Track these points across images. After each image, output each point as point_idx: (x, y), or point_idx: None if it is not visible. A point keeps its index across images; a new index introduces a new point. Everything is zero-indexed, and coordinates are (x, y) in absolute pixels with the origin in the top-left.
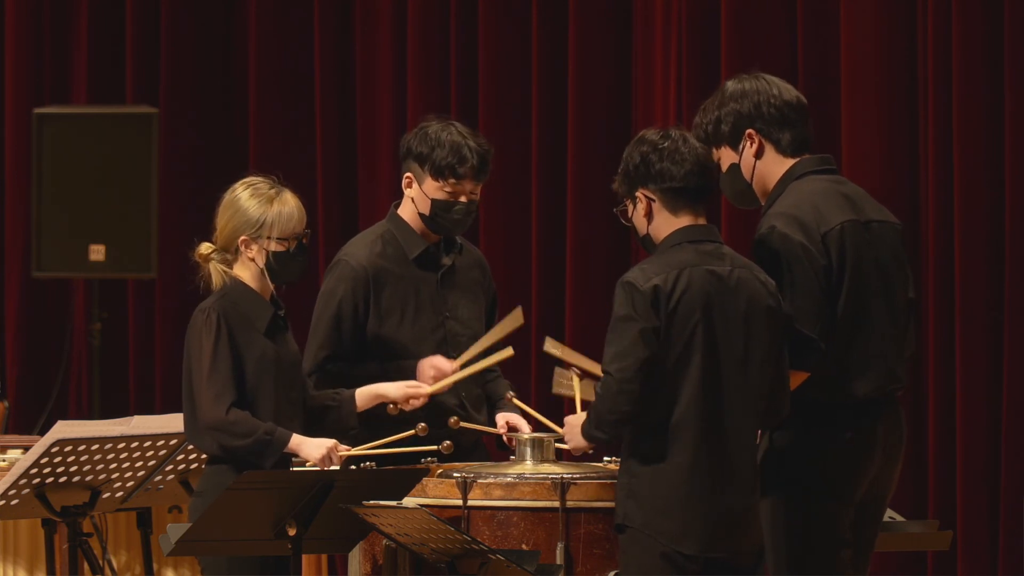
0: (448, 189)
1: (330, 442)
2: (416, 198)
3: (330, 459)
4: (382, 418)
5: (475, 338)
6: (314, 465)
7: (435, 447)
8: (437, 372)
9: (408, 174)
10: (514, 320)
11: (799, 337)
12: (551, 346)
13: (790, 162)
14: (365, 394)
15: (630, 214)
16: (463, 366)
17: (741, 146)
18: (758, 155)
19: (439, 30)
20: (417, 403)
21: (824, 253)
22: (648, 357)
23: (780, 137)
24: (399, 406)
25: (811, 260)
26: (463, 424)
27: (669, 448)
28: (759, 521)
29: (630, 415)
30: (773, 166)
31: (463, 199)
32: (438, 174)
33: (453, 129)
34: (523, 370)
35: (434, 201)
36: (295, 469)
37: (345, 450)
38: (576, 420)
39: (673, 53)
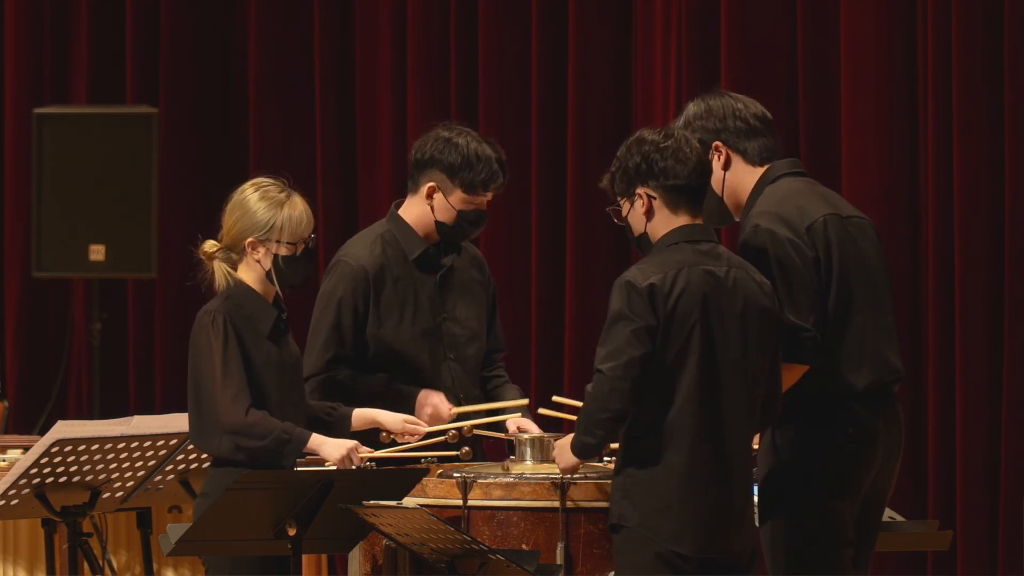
0: (475, 201)
1: (351, 443)
2: (438, 207)
3: (350, 459)
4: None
5: (473, 338)
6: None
7: (454, 452)
8: (433, 411)
9: (431, 183)
10: (519, 404)
11: (795, 330)
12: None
13: (759, 171)
14: (362, 417)
15: (625, 213)
16: (460, 416)
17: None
18: (726, 167)
19: (439, 30)
20: (412, 439)
21: (811, 246)
22: (640, 356)
23: (747, 147)
24: (392, 436)
25: (800, 253)
26: (476, 432)
27: (665, 448)
28: (753, 520)
29: (621, 413)
30: (743, 177)
31: (483, 207)
32: (470, 189)
33: (473, 139)
34: (523, 373)
35: (460, 212)
36: (296, 469)
37: (367, 452)
38: (566, 441)
39: (673, 53)
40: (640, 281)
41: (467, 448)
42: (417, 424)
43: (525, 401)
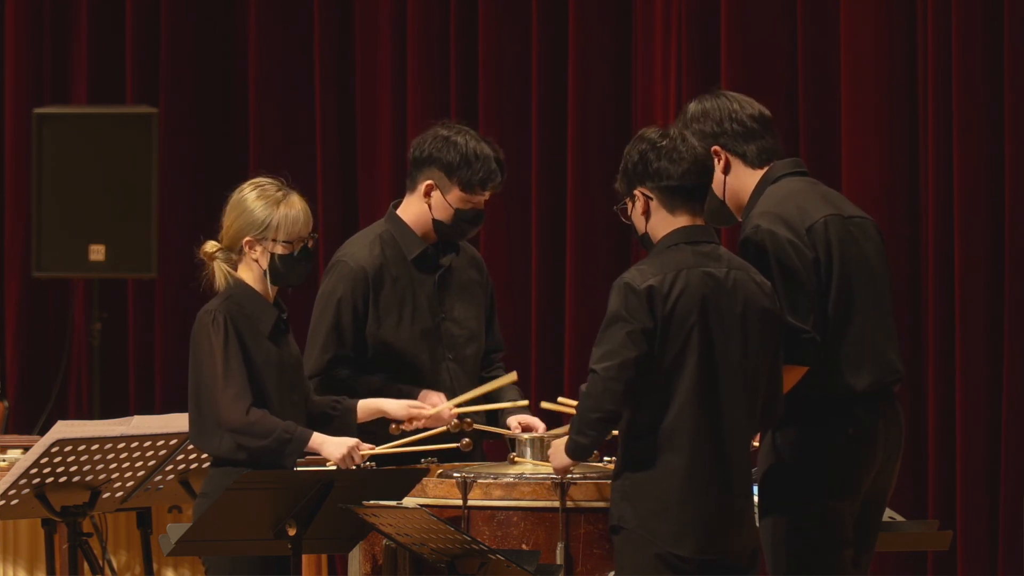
0: (473, 200)
1: (352, 441)
2: (436, 205)
3: (351, 458)
4: (378, 435)
5: (471, 338)
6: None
7: (455, 444)
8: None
9: (429, 181)
10: (508, 379)
11: (794, 331)
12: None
13: (759, 173)
14: (367, 408)
15: (629, 212)
16: (460, 414)
17: None
18: (726, 171)
19: (439, 30)
20: (419, 423)
21: (811, 247)
22: (635, 358)
23: (745, 150)
24: (401, 426)
25: (799, 254)
26: (476, 426)
27: (665, 450)
28: (753, 521)
29: (613, 415)
30: (744, 179)
31: (480, 206)
32: (468, 187)
33: (472, 138)
34: (523, 373)
35: (458, 211)
36: (296, 469)
37: (368, 448)
38: (561, 443)
39: (673, 53)
40: (639, 283)
41: (468, 440)
42: (421, 408)
43: (511, 378)
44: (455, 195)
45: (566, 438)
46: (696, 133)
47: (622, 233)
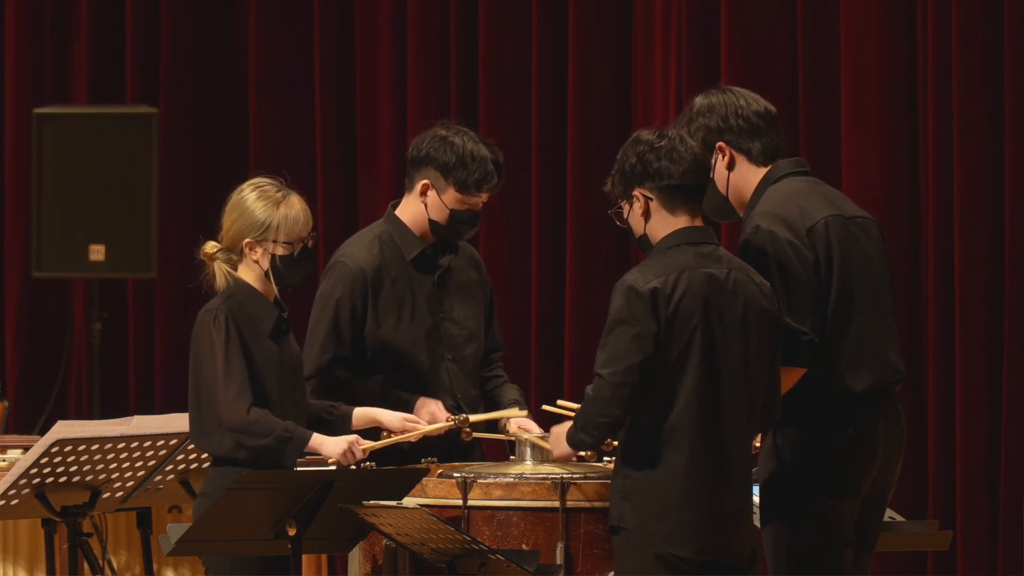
0: (469, 201)
1: (351, 437)
2: (432, 205)
3: (352, 453)
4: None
5: (471, 338)
6: (336, 462)
7: (454, 422)
8: (430, 419)
9: (425, 181)
10: (515, 414)
11: (792, 332)
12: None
13: (763, 171)
14: (362, 416)
15: (626, 215)
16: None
17: (713, 160)
18: (730, 167)
19: (439, 30)
20: (411, 438)
21: (811, 248)
22: (640, 362)
23: (750, 147)
24: (392, 435)
25: (799, 255)
26: (476, 435)
27: (665, 450)
28: (752, 521)
29: (620, 419)
30: (747, 176)
31: (477, 208)
32: (464, 188)
33: (470, 139)
34: (523, 373)
35: (453, 211)
36: (296, 469)
37: (368, 444)
38: (562, 429)
39: (673, 53)
40: (642, 285)
41: (468, 429)
42: (416, 422)
43: (522, 413)
44: (451, 196)
45: (567, 425)
46: (701, 128)
47: (622, 233)
